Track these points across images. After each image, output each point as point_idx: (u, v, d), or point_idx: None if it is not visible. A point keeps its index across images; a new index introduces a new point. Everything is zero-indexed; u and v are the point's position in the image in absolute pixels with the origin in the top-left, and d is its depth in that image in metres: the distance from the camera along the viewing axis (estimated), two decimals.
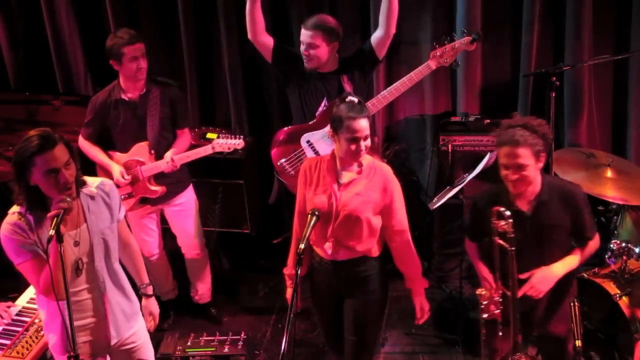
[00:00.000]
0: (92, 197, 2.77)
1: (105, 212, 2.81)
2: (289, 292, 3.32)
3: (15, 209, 2.67)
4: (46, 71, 5.05)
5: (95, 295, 2.81)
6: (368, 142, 3.00)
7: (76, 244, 2.73)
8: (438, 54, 3.77)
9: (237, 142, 3.89)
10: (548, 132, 2.95)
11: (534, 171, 2.93)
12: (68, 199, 2.55)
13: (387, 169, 3.13)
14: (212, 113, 5.03)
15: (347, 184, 3.06)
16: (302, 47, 3.85)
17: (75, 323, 2.75)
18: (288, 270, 3.31)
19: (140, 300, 3.09)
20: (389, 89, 3.83)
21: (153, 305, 3.14)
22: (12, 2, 5.00)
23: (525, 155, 2.88)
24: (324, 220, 3.06)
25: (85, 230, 2.74)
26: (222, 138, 3.90)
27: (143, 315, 3.10)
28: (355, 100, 3.04)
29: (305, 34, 3.82)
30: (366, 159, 3.10)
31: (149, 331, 3.13)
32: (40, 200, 2.61)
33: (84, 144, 4.00)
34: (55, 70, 5.03)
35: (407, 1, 4.49)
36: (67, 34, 4.94)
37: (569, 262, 3.04)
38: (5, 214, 2.68)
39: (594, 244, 3.12)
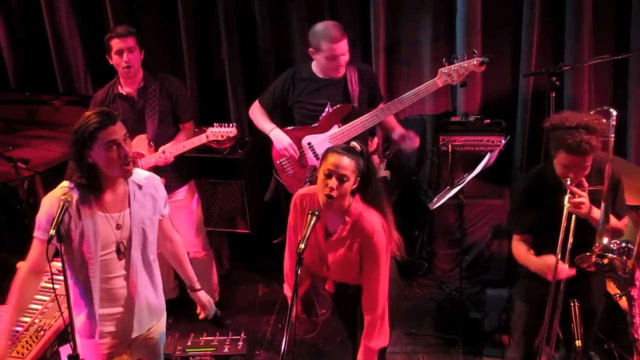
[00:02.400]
0: (139, 186, 2.82)
1: (149, 203, 2.86)
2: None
3: (65, 183, 2.72)
4: (46, 71, 5.05)
5: (128, 285, 2.84)
6: (345, 186, 2.81)
7: (118, 227, 2.77)
8: (445, 71, 3.74)
9: (230, 130, 3.89)
10: (606, 129, 2.92)
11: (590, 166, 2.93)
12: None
13: (370, 229, 2.91)
14: (212, 112, 5.01)
15: (333, 240, 3.00)
16: (337, 59, 3.75)
17: (104, 311, 2.83)
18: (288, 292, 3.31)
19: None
20: (393, 102, 3.82)
21: (204, 297, 3.23)
22: (12, 2, 5.00)
23: (590, 160, 2.88)
24: (317, 266, 3.10)
25: (128, 216, 2.78)
26: (216, 127, 3.90)
27: (198, 306, 3.27)
28: (358, 147, 2.89)
29: (341, 44, 3.70)
30: (355, 209, 2.93)
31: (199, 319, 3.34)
32: (94, 180, 2.68)
33: None
34: (55, 70, 5.03)
35: (407, 1, 4.50)
36: (67, 34, 4.94)
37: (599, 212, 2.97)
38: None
39: (621, 224, 3.10)
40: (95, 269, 2.74)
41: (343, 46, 3.74)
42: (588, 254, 2.86)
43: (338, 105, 3.89)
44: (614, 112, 3.12)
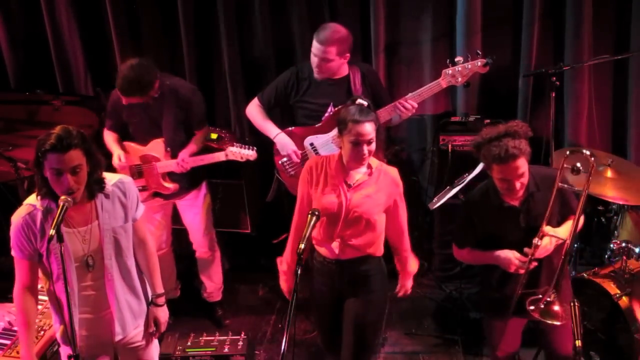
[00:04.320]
0: (106, 196, 2.78)
1: (119, 210, 2.82)
2: (281, 280, 3.35)
3: (30, 200, 2.72)
4: (46, 71, 5.05)
5: (103, 291, 2.82)
6: (372, 146, 2.99)
7: (85, 241, 2.75)
8: (450, 72, 3.73)
9: (250, 154, 3.90)
10: (528, 130, 2.92)
11: (527, 172, 2.92)
12: (69, 199, 2.57)
13: (394, 172, 3.13)
14: (212, 113, 5.02)
15: (356, 185, 3.07)
16: (315, 59, 3.80)
17: (83, 317, 2.82)
18: (282, 263, 3.32)
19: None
20: (395, 103, 3.81)
21: (160, 312, 3.07)
22: (12, 2, 5.00)
23: (523, 165, 2.87)
24: (331, 221, 3.09)
25: (96, 228, 2.76)
26: (236, 147, 3.90)
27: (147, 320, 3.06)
28: (365, 103, 3.05)
29: (318, 48, 3.75)
30: (374, 161, 3.10)
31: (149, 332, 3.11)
32: (51, 191, 2.65)
33: (105, 134, 4.08)
34: (55, 70, 5.03)
35: (407, 1, 4.50)
36: (67, 34, 4.94)
37: (568, 228, 3.02)
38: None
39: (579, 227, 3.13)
40: (71, 280, 2.72)
41: (322, 50, 3.74)
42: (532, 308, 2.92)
43: (341, 106, 3.89)
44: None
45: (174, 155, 3.97)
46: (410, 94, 3.80)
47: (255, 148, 3.93)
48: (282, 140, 3.96)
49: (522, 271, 2.99)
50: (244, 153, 3.90)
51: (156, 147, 3.98)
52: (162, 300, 3.08)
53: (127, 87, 3.72)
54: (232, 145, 3.91)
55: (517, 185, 2.90)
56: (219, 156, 3.92)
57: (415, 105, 3.81)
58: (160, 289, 3.06)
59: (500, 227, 3.03)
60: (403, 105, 3.78)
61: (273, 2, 4.63)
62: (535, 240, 2.92)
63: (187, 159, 3.93)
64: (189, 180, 4.09)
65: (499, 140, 2.83)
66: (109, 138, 4.06)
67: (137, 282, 2.96)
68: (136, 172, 4.05)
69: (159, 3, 4.83)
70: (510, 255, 3.00)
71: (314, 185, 3.13)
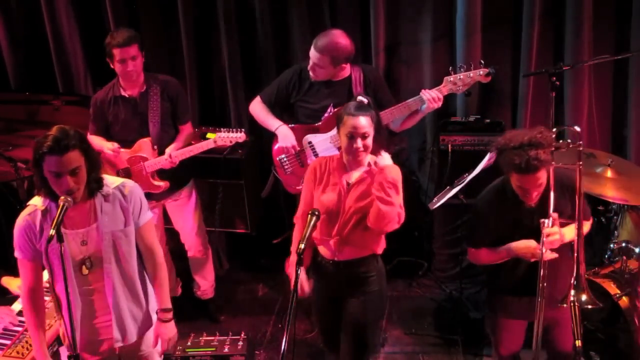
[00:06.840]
0: (106, 198, 2.73)
1: (119, 214, 2.76)
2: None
3: (33, 201, 2.72)
4: (46, 71, 5.05)
5: (103, 296, 2.79)
6: (368, 141, 3.01)
7: (84, 243, 2.73)
8: (451, 80, 3.73)
9: (239, 136, 3.89)
10: (552, 139, 2.89)
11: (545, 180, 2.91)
12: (69, 199, 2.56)
13: (391, 168, 3.07)
14: (212, 113, 5.03)
15: (355, 183, 3.09)
16: (310, 62, 3.84)
17: (85, 322, 2.81)
18: (290, 269, 3.31)
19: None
20: (396, 106, 3.82)
21: (163, 329, 2.97)
22: (12, 2, 5.00)
23: (543, 175, 2.86)
24: (331, 219, 3.10)
25: (95, 230, 2.72)
26: (224, 132, 3.90)
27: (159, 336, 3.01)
28: (365, 100, 3.09)
29: (313, 54, 3.79)
30: (372, 157, 3.10)
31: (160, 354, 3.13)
32: (50, 191, 2.63)
33: (89, 139, 4.03)
34: (55, 70, 5.03)
35: (407, 1, 4.50)
36: (67, 34, 4.94)
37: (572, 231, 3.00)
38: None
39: (587, 227, 3.14)
40: (70, 282, 2.66)
41: (315, 56, 3.79)
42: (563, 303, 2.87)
43: (340, 107, 3.88)
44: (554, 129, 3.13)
45: (161, 152, 3.97)
46: (410, 100, 3.80)
47: (243, 130, 3.92)
48: (283, 131, 3.98)
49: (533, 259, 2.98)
50: (233, 136, 3.88)
51: (143, 146, 3.96)
52: (166, 316, 2.96)
53: (125, 36, 3.76)
54: (220, 131, 3.90)
55: (534, 194, 2.91)
56: (208, 144, 3.90)
57: (441, 97, 3.76)
58: (165, 304, 2.96)
59: (515, 226, 3.01)
60: (428, 93, 3.73)
61: (273, 2, 4.63)
62: (546, 223, 2.90)
63: (175, 153, 3.92)
64: (175, 179, 4.07)
65: (522, 150, 2.79)
66: (95, 140, 3.97)
67: (140, 290, 2.90)
68: (124, 176, 4.04)
69: (159, 3, 4.83)
70: (530, 244, 2.98)
71: (317, 184, 3.17)
